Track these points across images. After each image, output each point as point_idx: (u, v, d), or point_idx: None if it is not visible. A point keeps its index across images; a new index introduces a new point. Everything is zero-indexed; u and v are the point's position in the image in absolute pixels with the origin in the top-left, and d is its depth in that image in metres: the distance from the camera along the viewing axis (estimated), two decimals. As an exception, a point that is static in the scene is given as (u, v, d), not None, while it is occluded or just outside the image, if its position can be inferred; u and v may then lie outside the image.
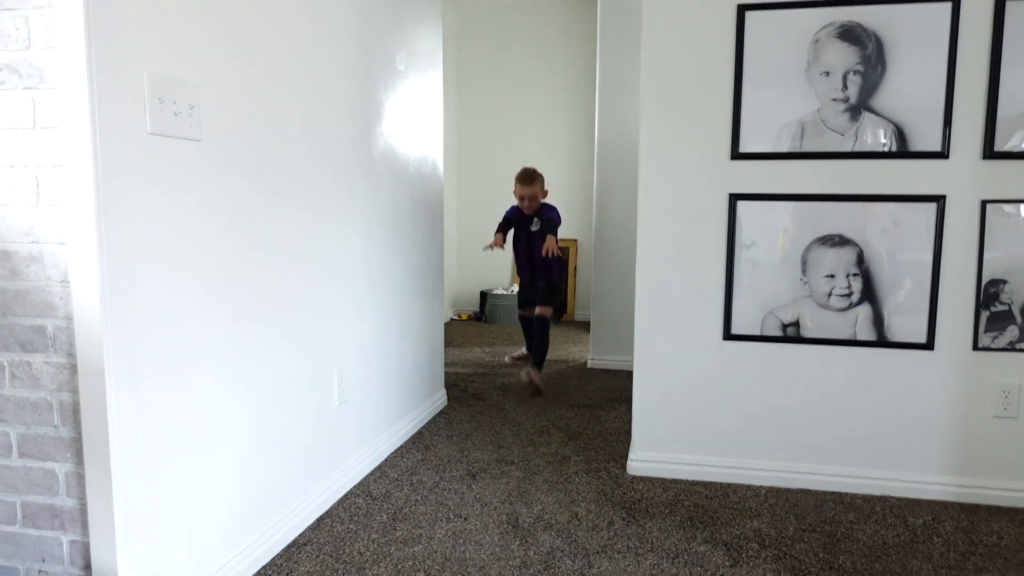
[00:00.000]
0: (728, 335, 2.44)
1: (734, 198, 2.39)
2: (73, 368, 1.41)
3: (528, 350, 4.08)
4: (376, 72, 2.56)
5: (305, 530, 2.08)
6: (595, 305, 4.27)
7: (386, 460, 2.65)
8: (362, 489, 2.38)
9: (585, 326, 5.67)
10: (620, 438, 2.92)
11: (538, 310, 3.75)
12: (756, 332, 2.42)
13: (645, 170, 2.46)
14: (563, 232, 6.09)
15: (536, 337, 3.77)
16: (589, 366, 4.26)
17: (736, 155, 2.38)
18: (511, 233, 3.85)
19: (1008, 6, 2.18)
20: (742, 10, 2.32)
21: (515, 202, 3.83)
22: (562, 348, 4.82)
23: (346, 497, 2.31)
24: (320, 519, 2.15)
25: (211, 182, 1.63)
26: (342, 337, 2.33)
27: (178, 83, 1.49)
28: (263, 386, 1.88)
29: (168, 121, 1.47)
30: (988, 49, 2.20)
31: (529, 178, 3.68)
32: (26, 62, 1.35)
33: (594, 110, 5.68)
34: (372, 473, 2.52)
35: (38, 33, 1.34)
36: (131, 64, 1.38)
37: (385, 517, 2.17)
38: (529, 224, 3.75)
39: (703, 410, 2.49)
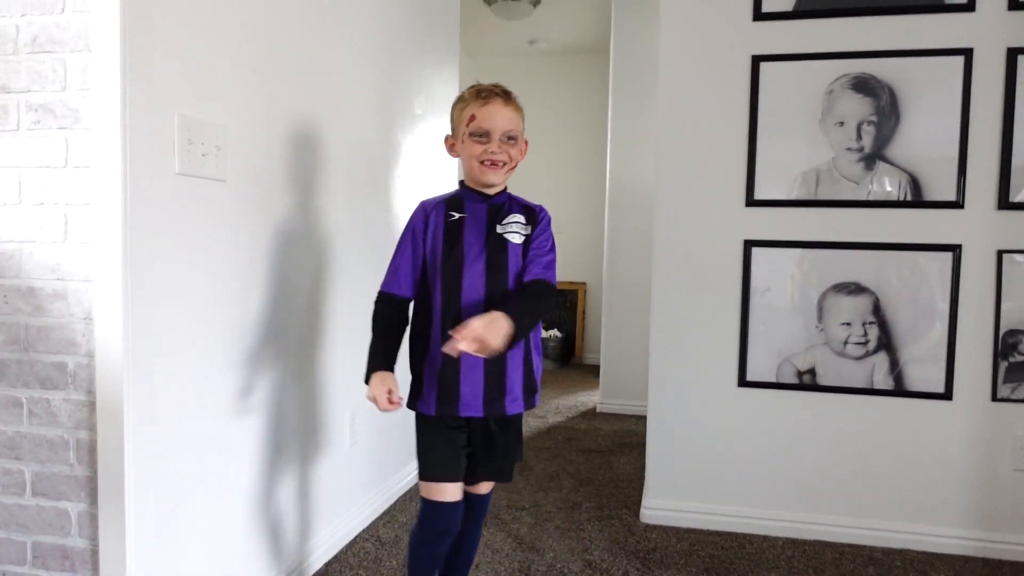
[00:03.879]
0: (743, 382, 2.42)
1: (749, 244, 2.39)
2: (92, 406, 1.40)
3: None
4: (396, 115, 2.60)
5: (314, 575, 2.04)
6: (605, 348, 4.25)
7: (395, 504, 2.61)
8: (371, 533, 2.34)
9: (593, 369, 5.64)
10: (633, 484, 2.87)
11: (483, 486, 1.69)
12: (772, 379, 2.40)
13: (660, 215, 2.47)
14: (572, 274, 6.10)
15: (463, 548, 1.73)
16: (598, 410, 4.22)
17: (751, 202, 2.39)
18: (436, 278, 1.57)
19: (1020, 59, 2.21)
20: (757, 60, 2.36)
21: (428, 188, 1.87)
22: (570, 392, 4.79)
23: (355, 542, 2.27)
24: (329, 564, 2.11)
25: (236, 222, 1.64)
26: (358, 378, 2.32)
27: (206, 124, 1.52)
28: (278, 426, 1.87)
29: (196, 162, 1.49)
30: (1001, 101, 2.23)
31: (505, 93, 1.58)
32: (61, 103, 1.37)
33: (605, 155, 5.74)
34: (381, 517, 2.48)
35: (74, 76, 1.37)
36: (163, 107, 1.40)
37: (395, 563, 2.13)
38: (489, 222, 1.58)
39: (718, 458, 2.46)
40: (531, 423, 3.85)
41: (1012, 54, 2.22)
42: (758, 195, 2.39)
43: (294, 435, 1.96)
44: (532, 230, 1.59)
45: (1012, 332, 2.25)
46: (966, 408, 2.29)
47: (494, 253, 1.55)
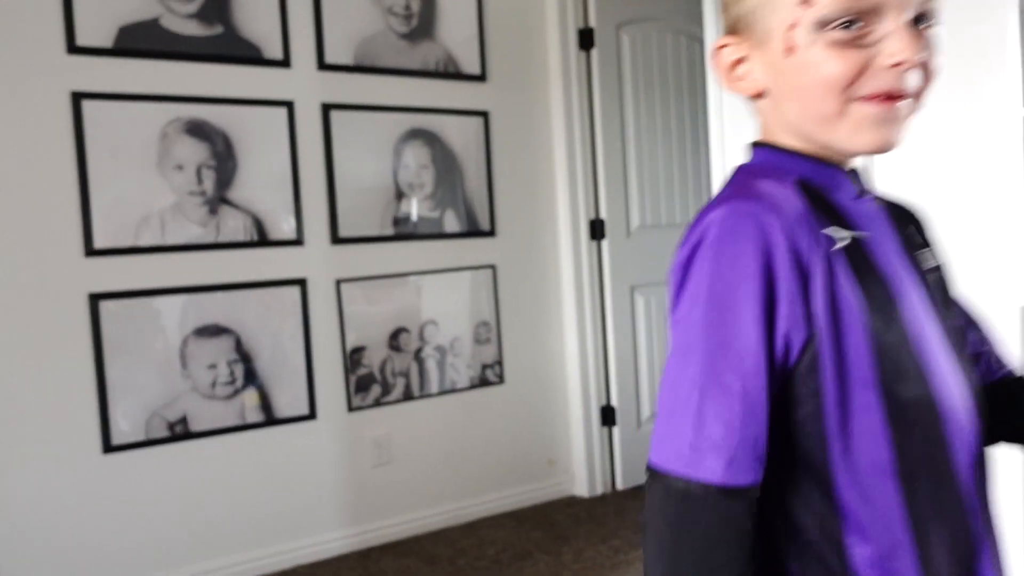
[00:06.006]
0: (109, 447, 2.21)
1: (95, 298, 2.19)
2: None
3: None
4: None
5: None
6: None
7: None
8: None
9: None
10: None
11: None
12: (141, 438, 2.25)
13: (-25, 273, 2.06)
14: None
15: None
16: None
17: (92, 251, 2.19)
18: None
19: (333, 113, 2.55)
20: (77, 98, 2.17)
21: None
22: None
23: None
24: None
25: None
26: None
27: None
28: None
29: None
30: (322, 150, 2.53)
31: None
32: None
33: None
34: None
35: None
36: None
37: None
38: (905, 243, 0.66)
39: (89, 536, 2.18)
40: None
41: (326, 109, 2.54)
42: (100, 243, 2.20)
43: None
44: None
45: (356, 349, 2.59)
46: (329, 423, 2.54)
47: (948, 322, 0.66)
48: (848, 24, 0.56)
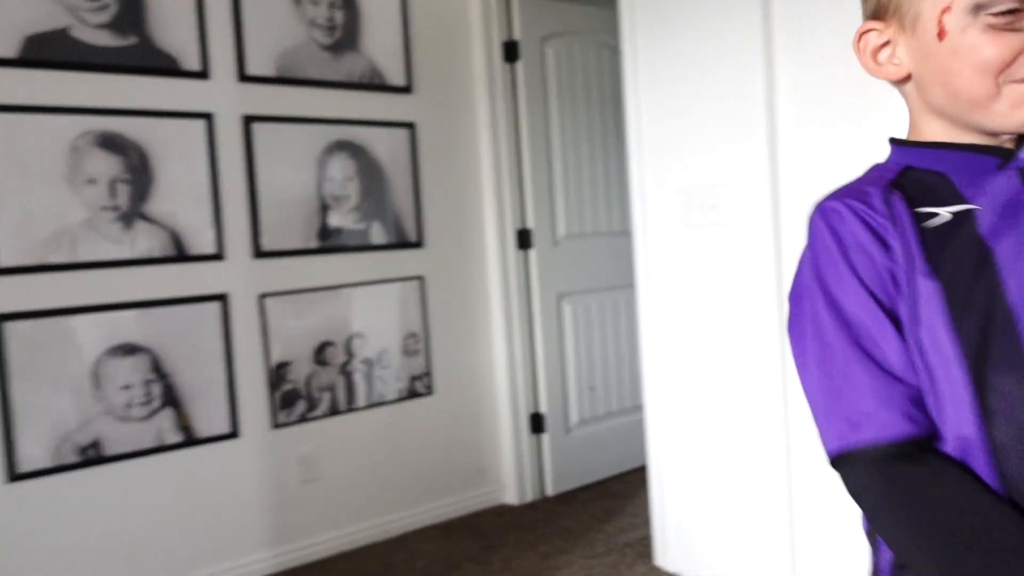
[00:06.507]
0: (15, 475, 2.12)
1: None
2: None
3: None
4: None
5: None
6: None
7: None
8: None
9: None
10: None
11: None
12: (51, 464, 2.16)
13: None
14: None
15: None
16: None
17: (-5, 270, 2.09)
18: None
19: (254, 126, 2.50)
20: (-22, 109, 2.07)
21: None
22: None
23: None
24: None
25: None
26: None
27: None
28: None
29: None
30: (243, 163, 2.48)
31: None
32: None
33: None
34: None
35: None
36: None
37: None
38: None
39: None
40: None
41: (247, 121, 2.49)
42: (5, 262, 2.10)
43: None
44: None
45: (280, 365, 2.55)
46: (252, 441, 2.50)
47: None
48: (1005, 10, 0.56)
